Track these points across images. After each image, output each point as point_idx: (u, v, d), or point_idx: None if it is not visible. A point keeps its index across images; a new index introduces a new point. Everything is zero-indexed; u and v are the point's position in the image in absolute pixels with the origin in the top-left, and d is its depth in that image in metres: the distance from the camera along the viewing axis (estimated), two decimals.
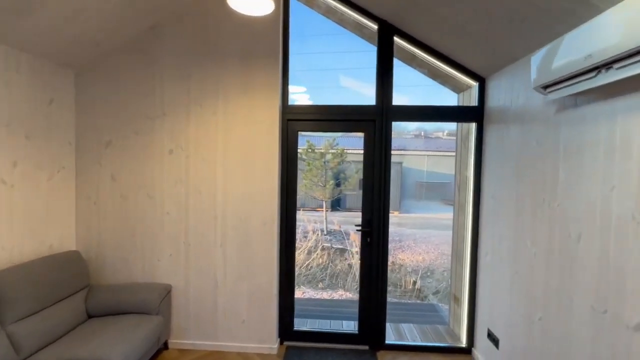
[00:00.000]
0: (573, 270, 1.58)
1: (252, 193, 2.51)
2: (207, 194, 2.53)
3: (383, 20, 2.51)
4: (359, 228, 2.66)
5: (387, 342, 2.69)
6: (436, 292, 5.84)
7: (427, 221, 10.97)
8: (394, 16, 2.43)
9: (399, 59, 2.67)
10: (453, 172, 3.03)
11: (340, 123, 2.68)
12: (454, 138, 3.09)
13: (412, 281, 6.05)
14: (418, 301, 5.04)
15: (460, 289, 2.85)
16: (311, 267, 6.81)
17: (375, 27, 2.56)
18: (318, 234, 8.47)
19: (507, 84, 2.21)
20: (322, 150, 9.42)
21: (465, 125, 2.82)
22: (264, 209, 2.51)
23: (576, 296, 1.56)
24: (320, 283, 6.35)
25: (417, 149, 13.71)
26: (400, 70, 2.64)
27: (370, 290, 2.66)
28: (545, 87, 1.64)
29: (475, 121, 2.59)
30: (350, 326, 2.95)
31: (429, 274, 6.69)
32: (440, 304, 4.05)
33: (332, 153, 9.49)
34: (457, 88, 2.86)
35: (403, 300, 4.39)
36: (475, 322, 2.64)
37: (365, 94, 2.89)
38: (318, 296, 5.49)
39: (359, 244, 2.64)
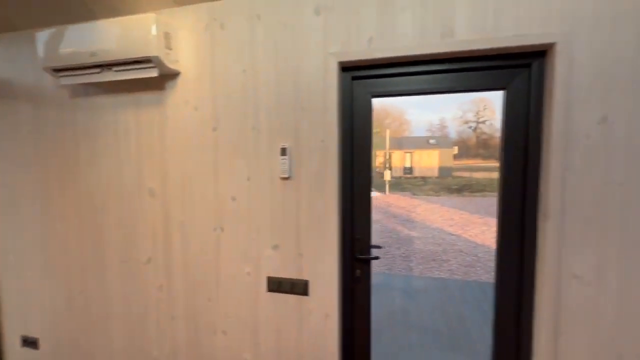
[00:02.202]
0: (103, 236, 1.86)
1: None
2: None
3: None
4: None
5: None
6: None
7: None
8: None
9: None
10: None
11: None
12: None
13: None
14: None
15: None
16: None
17: None
18: None
19: (7, 56, 1.94)
20: None
21: None
22: None
23: (115, 255, 1.87)
24: None
25: None
26: None
27: None
28: (56, 70, 1.69)
29: None
30: None
31: None
32: None
33: None
34: None
35: None
36: (2, 338, 2.18)
37: None
38: None
39: None
